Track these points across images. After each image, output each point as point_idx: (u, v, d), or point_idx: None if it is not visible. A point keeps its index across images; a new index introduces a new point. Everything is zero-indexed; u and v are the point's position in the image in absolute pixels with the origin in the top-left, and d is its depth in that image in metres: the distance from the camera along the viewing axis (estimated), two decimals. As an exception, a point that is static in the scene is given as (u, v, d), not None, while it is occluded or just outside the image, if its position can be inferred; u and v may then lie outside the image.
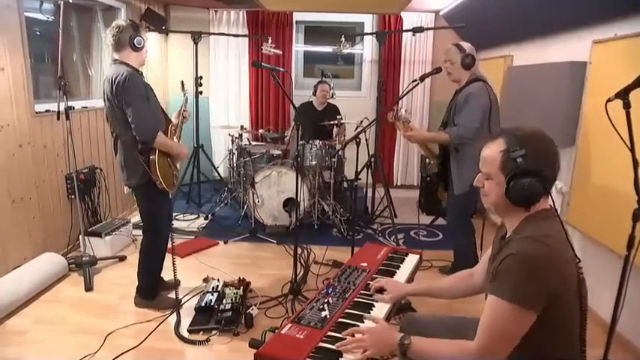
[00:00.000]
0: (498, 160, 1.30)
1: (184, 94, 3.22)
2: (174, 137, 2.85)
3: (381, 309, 1.70)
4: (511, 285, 1.20)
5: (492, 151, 1.32)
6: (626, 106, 1.54)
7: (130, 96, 2.42)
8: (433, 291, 1.79)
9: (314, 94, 4.90)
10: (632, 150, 1.56)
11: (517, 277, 1.20)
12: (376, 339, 1.41)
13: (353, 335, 1.46)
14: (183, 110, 2.95)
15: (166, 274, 3.01)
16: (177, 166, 2.86)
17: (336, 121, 4.51)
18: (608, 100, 1.54)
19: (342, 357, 1.39)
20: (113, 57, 2.61)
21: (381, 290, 1.79)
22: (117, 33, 2.52)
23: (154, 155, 2.54)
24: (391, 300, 1.73)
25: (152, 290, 2.91)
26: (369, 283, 1.88)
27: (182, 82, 3.32)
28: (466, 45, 3.03)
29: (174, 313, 2.78)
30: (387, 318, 1.67)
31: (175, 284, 2.95)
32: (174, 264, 2.77)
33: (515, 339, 1.22)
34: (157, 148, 2.55)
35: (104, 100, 2.55)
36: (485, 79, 3.00)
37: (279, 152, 4.65)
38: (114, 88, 2.43)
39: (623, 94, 1.54)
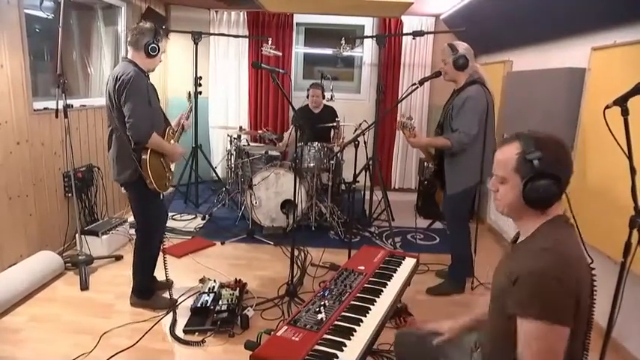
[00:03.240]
0: (514, 162, 1.29)
1: (189, 104, 3.23)
2: (172, 140, 2.85)
3: (376, 313, 1.70)
4: (539, 304, 1.17)
5: (507, 153, 1.31)
6: (625, 113, 1.54)
7: (131, 95, 2.44)
8: (477, 322, 1.65)
9: (308, 97, 4.91)
10: (629, 157, 1.56)
11: (543, 295, 1.17)
12: None
13: None
14: (183, 122, 2.98)
15: (159, 274, 3.00)
16: (172, 168, 2.86)
17: (334, 124, 4.51)
18: (607, 107, 1.54)
19: (337, 359, 1.39)
20: (126, 55, 2.63)
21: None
22: (137, 34, 2.56)
23: (146, 155, 2.56)
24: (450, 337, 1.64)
25: (146, 290, 2.91)
26: (366, 287, 1.88)
27: (189, 92, 3.34)
28: (461, 45, 2.99)
29: (170, 314, 2.77)
30: (382, 322, 1.67)
31: (168, 285, 2.94)
32: (165, 264, 2.78)
33: (561, 356, 1.19)
34: (151, 147, 2.57)
35: (106, 95, 2.58)
36: (482, 81, 2.99)
37: (277, 153, 4.65)
38: (117, 85, 2.47)
39: (622, 102, 1.54)
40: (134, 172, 2.58)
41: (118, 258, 3.59)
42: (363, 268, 2.06)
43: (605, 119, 1.51)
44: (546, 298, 1.17)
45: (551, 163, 1.24)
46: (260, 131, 5.07)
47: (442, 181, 3.19)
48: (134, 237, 2.96)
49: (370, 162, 4.68)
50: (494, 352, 1.39)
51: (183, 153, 2.88)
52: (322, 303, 1.71)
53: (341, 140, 4.60)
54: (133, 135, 2.49)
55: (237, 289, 2.90)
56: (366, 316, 1.65)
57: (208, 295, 2.82)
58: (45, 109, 3.43)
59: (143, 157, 2.55)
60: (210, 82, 5.93)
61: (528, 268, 1.21)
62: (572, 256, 1.22)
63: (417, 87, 3.10)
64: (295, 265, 3.13)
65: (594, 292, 1.30)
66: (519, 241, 1.39)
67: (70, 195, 3.64)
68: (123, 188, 2.85)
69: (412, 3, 4.14)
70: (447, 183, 3.08)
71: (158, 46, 2.59)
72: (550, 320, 1.16)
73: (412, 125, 3.07)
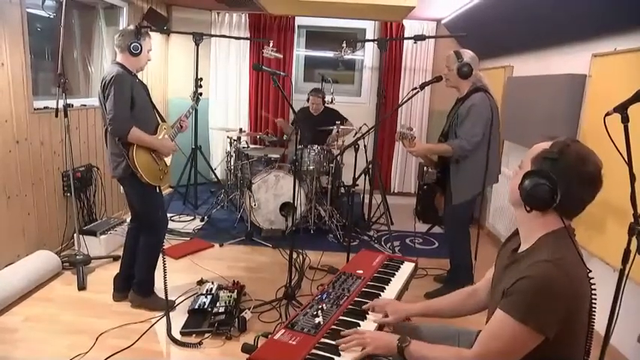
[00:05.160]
0: (535, 154, 1.32)
1: (193, 104, 3.27)
2: (165, 135, 2.88)
3: (374, 317, 1.69)
4: (525, 307, 1.19)
5: (539, 146, 1.33)
6: (625, 120, 1.54)
7: (111, 94, 2.55)
8: (436, 311, 1.73)
9: (308, 100, 4.92)
10: (629, 164, 1.56)
11: (533, 300, 1.19)
12: (376, 337, 1.46)
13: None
14: (181, 120, 3.03)
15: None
16: (167, 162, 2.89)
17: (334, 127, 4.50)
18: (607, 114, 1.54)
19: (335, 364, 1.38)
20: (114, 58, 2.78)
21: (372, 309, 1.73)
22: (119, 37, 2.70)
23: (132, 149, 2.63)
24: (393, 322, 1.67)
25: (149, 285, 2.91)
26: (364, 291, 1.88)
27: (194, 92, 3.39)
28: (467, 53, 2.97)
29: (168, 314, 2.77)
30: (380, 326, 1.66)
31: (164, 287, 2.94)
32: (164, 268, 2.77)
33: (515, 357, 1.23)
34: (134, 142, 2.63)
35: (97, 96, 2.73)
36: (486, 89, 2.98)
37: (277, 156, 4.65)
38: (102, 85, 2.61)
39: (622, 109, 1.54)
40: (127, 167, 2.66)
41: (116, 258, 3.57)
42: (361, 271, 2.06)
43: (605, 126, 1.51)
44: (535, 305, 1.18)
45: (559, 170, 1.23)
46: (260, 133, 5.08)
47: (444, 188, 3.19)
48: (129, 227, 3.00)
49: (370, 166, 4.68)
50: None
51: (173, 147, 2.91)
52: (320, 307, 1.70)
53: (342, 142, 4.58)
54: (112, 130, 2.60)
55: (235, 291, 2.90)
56: (363, 320, 1.65)
57: (206, 296, 2.82)
58: (45, 108, 3.43)
59: (130, 151, 2.62)
60: (210, 83, 5.94)
61: (527, 275, 1.21)
62: (572, 271, 1.22)
63: (418, 91, 3.09)
64: (293, 268, 3.12)
65: (594, 306, 1.29)
66: (520, 250, 1.38)
67: (68, 195, 3.64)
68: (120, 185, 2.88)
69: (414, 7, 4.14)
70: (452, 192, 3.05)
71: (140, 44, 2.68)
72: (529, 325, 1.18)
73: (412, 135, 3.04)
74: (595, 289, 1.29)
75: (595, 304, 1.29)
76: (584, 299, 1.25)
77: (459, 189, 3.03)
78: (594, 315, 1.31)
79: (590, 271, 1.27)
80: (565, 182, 1.22)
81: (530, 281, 1.20)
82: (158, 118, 2.89)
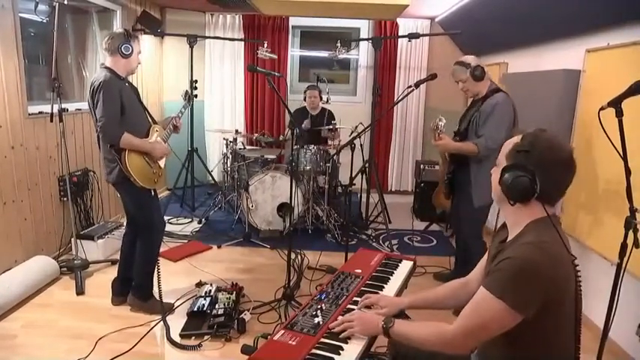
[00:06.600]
0: (507, 150, 1.35)
1: (184, 104, 3.26)
2: (158, 137, 2.87)
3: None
4: (504, 284, 1.23)
5: (511, 141, 1.37)
6: (619, 114, 1.55)
7: (100, 99, 2.53)
8: (429, 302, 1.75)
9: (305, 99, 4.91)
10: (624, 158, 1.57)
11: (513, 279, 1.22)
12: (363, 319, 1.55)
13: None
14: (175, 120, 3.02)
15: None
16: (161, 165, 2.88)
17: (330, 126, 4.51)
18: (601, 109, 1.55)
19: (334, 364, 1.38)
20: (104, 62, 2.72)
21: (368, 307, 1.72)
22: (108, 40, 2.66)
23: (125, 154, 2.62)
24: (387, 315, 1.66)
25: (147, 289, 2.90)
26: (363, 290, 1.88)
27: (187, 91, 3.38)
28: (469, 58, 2.97)
29: (167, 318, 2.76)
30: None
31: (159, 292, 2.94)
32: (159, 275, 2.77)
33: (492, 333, 1.27)
34: (125, 147, 2.62)
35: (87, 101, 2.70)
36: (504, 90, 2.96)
37: (273, 157, 4.64)
38: (91, 91, 2.59)
39: (616, 103, 1.55)
40: (120, 172, 2.64)
41: (114, 262, 3.56)
42: (359, 271, 2.06)
43: (599, 120, 1.52)
44: (516, 284, 1.21)
45: (534, 161, 1.26)
46: (256, 134, 5.07)
47: (453, 190, 3.18)
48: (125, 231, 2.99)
49: (366, 165, 4.68)
50: (490, 351, 1.39)
51: (166, 149, 2.89)
52: (319, 307, 1.70)
53: (337, 141, 4.59)
54: (103, 137, 2.60)
55: (234, 292, 2.90)
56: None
57: (205, 299, 2.81)
58: (40, 113, 3.42)
59: (122, 156, 2.61)
60: (205, 85, 5.93)
61: (510, 256, 1.25)
62: (556, 254, 1.24)
63: (413, 89, 3.11)
64: (292, 269, 3.12)
65: (580, 290, 1.31)
66: (508, 240, 1.40)
67: (65, 199, 3.63)
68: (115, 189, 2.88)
69: (407, 5, 4.15)
70: (473, 194, 2.97)
71: (131, 45, 2.66)
72: (506, 302, 1.21)
73: (441, 128, 3.00)
74: (580, 274, 1.30)
75: (581, 287, 1.31)
76: (568, 283, 1.27)
77: (481, 191, 2.92)
78: (581, 300, 1.32)
79: (575, 258, 1.29)
80: (542, 171, 1.26)
81: (512, 261, 1.24)
82: (150, 120, 2.87)
